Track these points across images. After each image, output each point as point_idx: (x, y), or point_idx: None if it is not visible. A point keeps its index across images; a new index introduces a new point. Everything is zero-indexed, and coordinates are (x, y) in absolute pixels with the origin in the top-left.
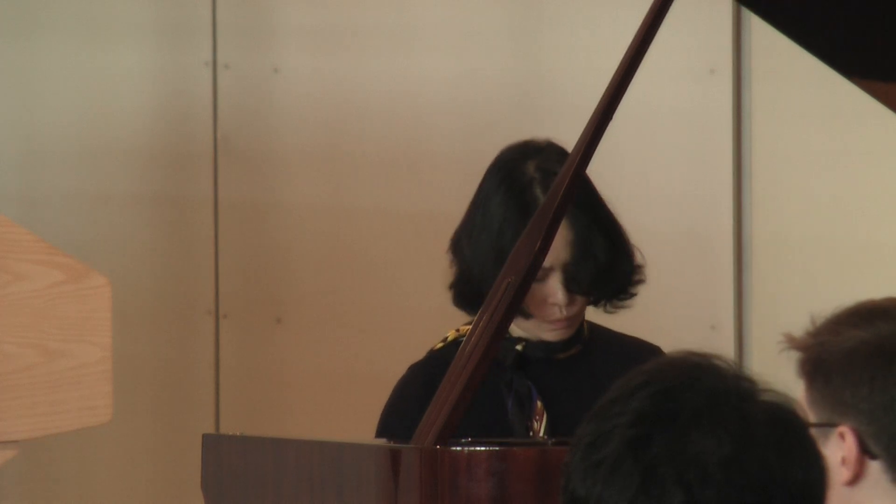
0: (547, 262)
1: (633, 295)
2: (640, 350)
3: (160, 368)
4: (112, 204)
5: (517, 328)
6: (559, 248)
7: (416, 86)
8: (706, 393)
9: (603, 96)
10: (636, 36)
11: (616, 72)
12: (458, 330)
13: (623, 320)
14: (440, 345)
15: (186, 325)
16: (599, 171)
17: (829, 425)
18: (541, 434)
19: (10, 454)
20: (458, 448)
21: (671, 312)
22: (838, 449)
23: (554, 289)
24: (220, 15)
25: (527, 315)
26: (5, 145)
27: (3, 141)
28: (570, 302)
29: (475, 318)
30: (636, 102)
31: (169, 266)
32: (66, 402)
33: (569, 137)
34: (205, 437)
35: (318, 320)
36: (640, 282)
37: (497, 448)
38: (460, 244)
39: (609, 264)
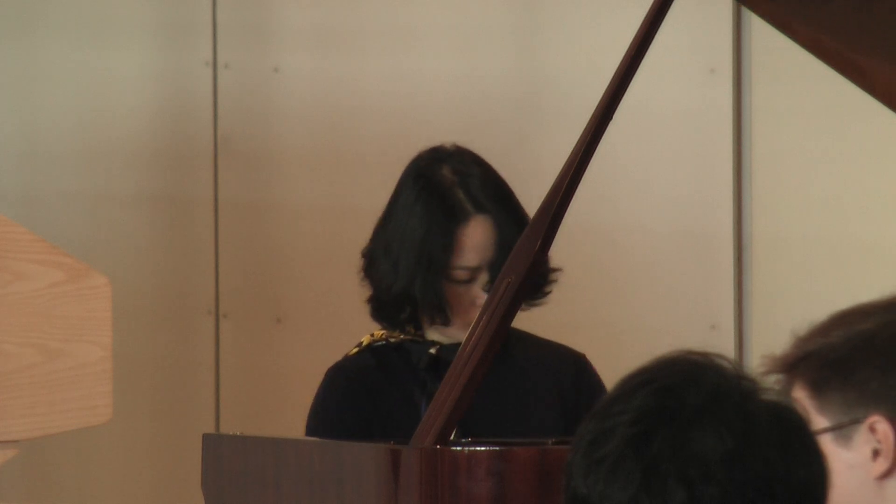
0: (474, 263)
1: (546, 293)
2: (561, 355)
3: (160, 368)
4: (112, 204)
5: (433, 333)
6: (486, 249)
7: (416, 86)
8: (708, 390)
9: (603, 96)
10: (636, 36)
11: (616, 72)
12: (372, 335)
13: (623, 319)
14: (355, 350)
15: (186, 325)
16: (599, 171)
17: (852, 423)
18: (451, 437)
19: (10, 454)
20: (458, 448)
21: (671, 312)
22: (867, 444)
23: (480, 291)
24: (220, 15)
25: (448, 322)
26: (5, 145)
27: (3, 141)
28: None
29: (389, 326)
30: (636, 102)
31: (169, 266)
32: (66, 402)
33: (569, 137)
34: (205, 437)
35: (318, 320)
36: (554, 281)
37: (497, 448)
38: (375, 261)
39: None
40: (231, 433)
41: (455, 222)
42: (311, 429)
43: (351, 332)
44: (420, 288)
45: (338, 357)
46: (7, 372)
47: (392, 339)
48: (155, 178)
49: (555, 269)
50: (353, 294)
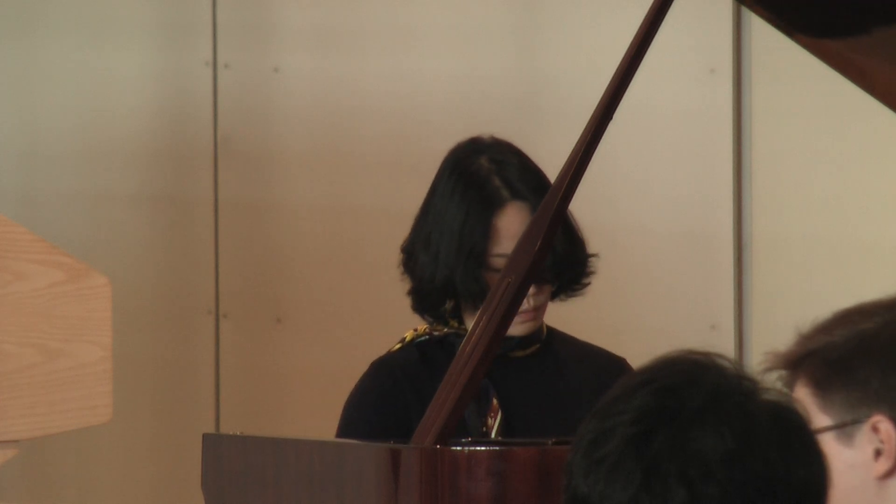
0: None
1: (586, 284)
2: (602, 358)
3: (160, 368)
4: (112, 204)
5: None
6: None
7: (416, 86)
8: (708, 390)
9: (603, 96)
10: (636, 36)
11: (616, 72)
12: (416, 330)
13: (624, 319)
14: (398, 346)
15: (186, 325)
16: (600, 171)
17: (855, 422)
18: (494, 431)
19: (10, 454)
20: (458, 448)
21: (671, 312)
22: (869, 443)
23: None
24: (220, 15)
25: None
26: (5, 145)
27: (3, 141)
28: (537, 292)
29: (432, 320)
30: (636, 102)
31: (169, 266)
32: (66, 402)
33: (569, 137)
34: (205, 436)
35: (318, 320)
36: (593, 272)
37: (497, 448)
38: (415, 254)
39: (566, 253)
40: (231, 433)
41: (492, 209)
42: (346, 420)
43: (351, 331)
44: (461, 277)
45: (338, 357)
46: (7, 372)
47: (436, 333)
48: (155, 178)
49: (591, 255)
50: (354, 294)
